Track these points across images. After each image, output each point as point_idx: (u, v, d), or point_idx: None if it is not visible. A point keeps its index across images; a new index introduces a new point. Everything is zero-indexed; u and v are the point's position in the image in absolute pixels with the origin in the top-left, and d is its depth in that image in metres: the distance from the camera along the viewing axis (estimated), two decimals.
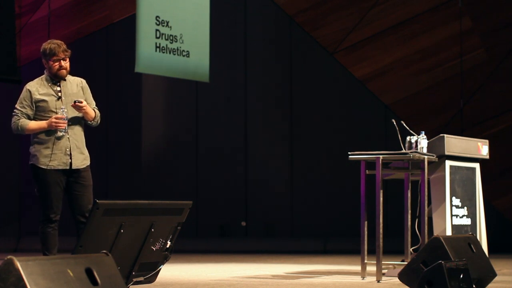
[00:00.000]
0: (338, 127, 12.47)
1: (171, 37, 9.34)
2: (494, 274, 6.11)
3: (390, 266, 7.48)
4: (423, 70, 12.11)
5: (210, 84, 10.95)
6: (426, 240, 6.79)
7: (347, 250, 11.29)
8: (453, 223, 7.47)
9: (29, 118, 6.44)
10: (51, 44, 6.52)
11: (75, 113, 6.44)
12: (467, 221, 7.70)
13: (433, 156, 7.30)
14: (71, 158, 6.36)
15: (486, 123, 11.81)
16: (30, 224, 13.45)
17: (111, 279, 3.67)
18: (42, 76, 6.56)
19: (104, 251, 3.87)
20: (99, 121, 6.59)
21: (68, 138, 6.40)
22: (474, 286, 5.46)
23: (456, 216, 7.53)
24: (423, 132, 7.29)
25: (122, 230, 4.78)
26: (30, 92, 6.48)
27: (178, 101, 13.33)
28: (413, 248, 7.52)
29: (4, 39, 11.07)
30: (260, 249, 12.12)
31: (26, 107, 6.46)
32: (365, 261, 7.14)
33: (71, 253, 4.35)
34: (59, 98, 6.46)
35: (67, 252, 4.48)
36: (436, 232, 7.29)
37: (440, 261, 5.14)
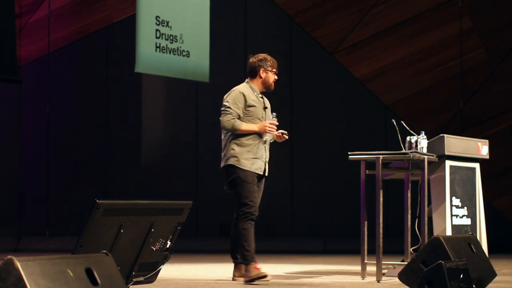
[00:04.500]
0: (338, 127, 12.47)
1: (171, 37, 9.34)
2: (494, 274, 6.10)
3: (390, 266, 7.48)
4: (423, 70, 12.11)
5: (210, 84, 10.95)
6: (426, 240, 6.79)
7: (347, 250, 11.28)
8: (453, 223, 7.46)
9: (239, 119, 6.78)
10: (268, 56, 6.94)
11: None
12: (467, 221, 7.70)
13: (433, 156, 7.30)
14: (265, 165, 6.92)
15: (486, 123, 11.81)
16: (30, 224, 13.44)
17: (111, 279, 3.67)
18: (245, 84, 6.91)
19: (104, 251, 3.87)
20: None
21: (265, 147, 6.88)
22: (474, 286, 5.45)
23: (456, 216, 7.53)
24: (423, 132, 7.28)
25: (122, 230, 4.78)
26: (244, 95, 6.79)
27: (178, 101, 13.32)
28: (413, 248, 7.52)
29: (4, 39, 11.05)
30: (260, 249, 12.09)
31: (240, 108, 6.76)
32: (365, 261, 7.14)
33: (71, 253, 4.35)
34: (265, 108, 6.89)
35: (67, 252, 4.48)
36: (436, 232, 7.28)
37: (440, 261, 5.14)
